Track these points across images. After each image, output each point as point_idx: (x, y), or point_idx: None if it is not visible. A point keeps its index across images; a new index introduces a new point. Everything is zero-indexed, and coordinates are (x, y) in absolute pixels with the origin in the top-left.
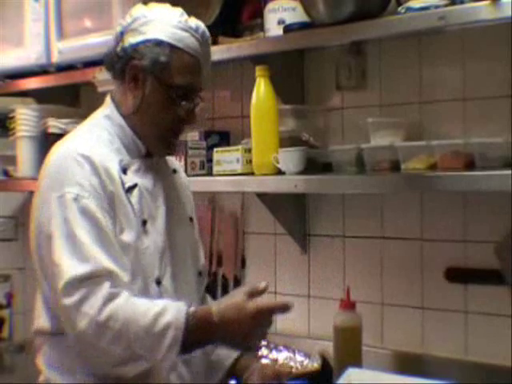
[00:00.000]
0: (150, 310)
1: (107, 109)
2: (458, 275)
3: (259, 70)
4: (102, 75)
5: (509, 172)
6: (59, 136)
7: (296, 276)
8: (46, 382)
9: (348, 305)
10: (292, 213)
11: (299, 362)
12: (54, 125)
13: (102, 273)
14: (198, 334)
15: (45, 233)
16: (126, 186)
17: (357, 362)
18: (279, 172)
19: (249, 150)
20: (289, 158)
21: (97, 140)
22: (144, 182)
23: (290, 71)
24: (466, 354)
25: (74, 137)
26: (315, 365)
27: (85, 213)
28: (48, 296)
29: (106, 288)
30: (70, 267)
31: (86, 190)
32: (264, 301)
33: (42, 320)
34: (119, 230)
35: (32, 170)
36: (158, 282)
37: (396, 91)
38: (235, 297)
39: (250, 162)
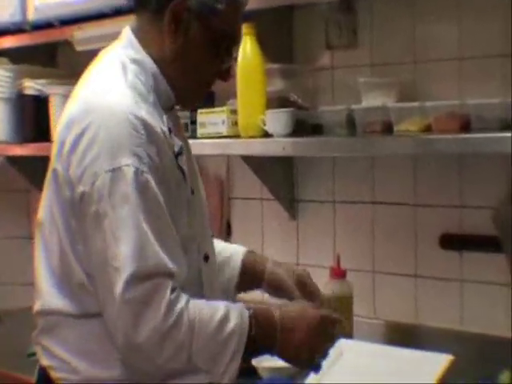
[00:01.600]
0: (214, 316)
1: (131, 49)
2: (453, 242)
3: (245, 28)
4: (80, 34)
5: (507, 134)
6: (35, 98)
7: (284, 243)
8: (63, 368)
9: (338, 273)
10: (279, 177)
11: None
12: (29, 86)
13: (163, 271)
14: (259, 339)
15: (92, 209)
16: (176, 150)
17: (348, 333)
18: (266, 134)
19: (234, 112)
20: (276, 120)
21: (136, 92)
22: (183, 143)
23: (278, 29)
24: (462, 324)
25: (107, 87)
26: None
27: (146, 192)
28: (76, 277)
29: (168, 292)
30: (131, 261)
31: (144, 162)
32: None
33: (55, 299)
34: (173, 205)
35: (7, 134)
36: (206, 258)
37: (388, 50)
38: (297, 304)
39: (236, 123)
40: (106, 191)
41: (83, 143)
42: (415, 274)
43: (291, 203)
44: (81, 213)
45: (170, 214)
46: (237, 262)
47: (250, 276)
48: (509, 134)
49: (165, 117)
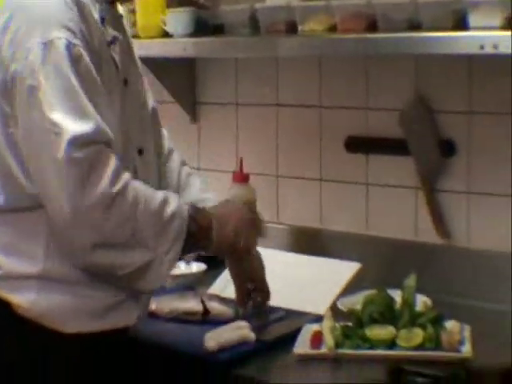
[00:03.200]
0: (156, 197)
1: None
2: (358, 145)
3: None
4: None
5: (414, 34)
6: None
7: (185, 147)
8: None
9: (241, 177)
10: (180, 79)
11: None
12: None
13: (104, 137)
14: (197, 226)
15: (25, 84)
16: (107, 38)
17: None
18: (166, 35)
19: (133, 11)
20: (177, 20)
21: None
22: (120, 35)
23: None
24: (367, 229)
25: None
26: None
27: (79, 64)
28: (5, 167)
29: (113, 160)
30: (71, 124)
31: (77, 37)
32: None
33: None
34: (107, 91)
35: None
36: (140, 152)
37: None
38: (233, 204)
39: (135, 24)
40: (38, 64)
41: (14, 23)
42: (320, 177)
43: (192, 106)
44: (13, 94)
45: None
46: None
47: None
48: (416, 35)
49: (97, 5)
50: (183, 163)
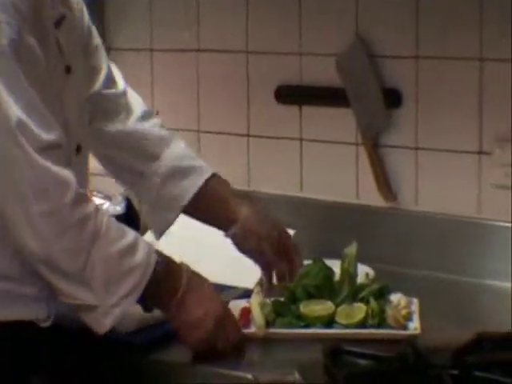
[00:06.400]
0: (122, 239)
1: None
2: (291, 95)
3: None
4: None
5: None
6: None
7: None
8: None
9: None
10: None
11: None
12: None
13: (60, 142)
14: (160, 286)
15: None
16: (56, 16)
17: None
18: None
19: None
20: None
21: None
22: (68, 12)
23: None
24: (301, 191)
25: None
26: (118, 208)
27: (21, 50)
28: None
29: (74, 184)
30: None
31: (18, 19)
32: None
33: None
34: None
35: None
36: (78, 149)
37: None
38: (210, 284)
39: None
40: None
41: None
42: (247, 133)
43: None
44: None
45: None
46: (200, 178)
47: (213, 207)
48: None
49: None
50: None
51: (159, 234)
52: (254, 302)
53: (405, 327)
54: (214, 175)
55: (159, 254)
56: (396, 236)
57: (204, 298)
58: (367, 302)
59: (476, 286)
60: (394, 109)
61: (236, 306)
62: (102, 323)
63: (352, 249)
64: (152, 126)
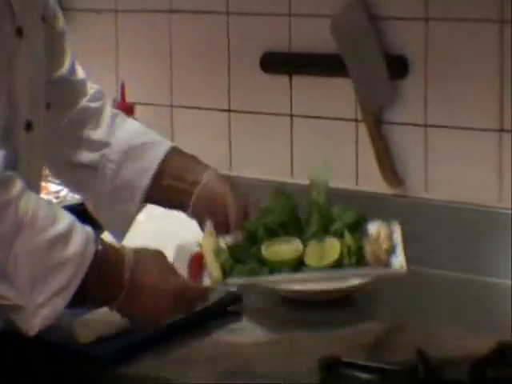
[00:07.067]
0: (53, 227)
1: None
2: (279, 63)
3: None
4: None
5: None
6: None
7: None
8: None
9: (123, 108)
10: None
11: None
12: None
13: None
14: (100, 279)
15: None
16: None
17: None
18: None
19: None
20: None
21: None
22: None
23: None
24: (292, 176)
25: None
26: (77, 196)
27: None
28: None
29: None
30: None
31: None
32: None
33: None
34: None
35: None
36: (29, 127)
37: None
38: (158, 261)
39: None
40: None
41: None
42: (228, 108)
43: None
44: None
45: None
46: (157, 155)
47: (173, 181)
48: None
49: None
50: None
51: (121, 233)
52: (207, 247)
53: (387, 264)
54: (173, 148)
55: (101, 241)
56: (403, 228)
57: (153, 284)
58: (341, 237)
59: (496, 286)
60: (400, 79)
61: (184, 251)
62: (31, 324)
63: (323, 169)
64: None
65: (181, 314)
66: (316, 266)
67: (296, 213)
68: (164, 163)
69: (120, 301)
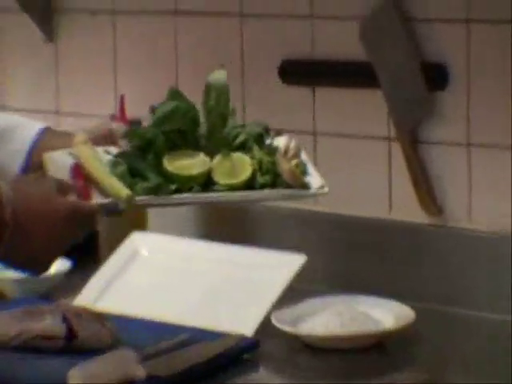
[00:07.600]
0: None
1: None
2: (300, 72)
3: None
4: None
5: None
6: None
7: (36, 80)
8: None
9: (124, 122)
10: None
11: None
12: None
13: None
14: None
15: None
16: None
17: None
18: None
19: None
20: None
21: None
22: None
23: None
24: (315, 203)
25: None
26: None
27: None
28: None
29: None
30: None
31: None
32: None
33: None
34: None
35: None
36: None
37: None
38: (40, 185)
39: None
40: None
41: None
42: (242, 121)
43: (45, 18)
44: None
45: None
46: (27, 137)
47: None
48: None
49: None
50: None
51: None
52: (87, 158)
53: (305, 185)
54: (47, 129)
55: None
56: (442, 263)
57: (40, 210)
58: (249, 151)
59: None
60: (439, 91)
61: (58, 163)
62: None
63: (218, 74)
64: None
65: (77, 238)
66: (228, 184)
67: (197, 121)
68: (37, 142)
69: (7, 239)
